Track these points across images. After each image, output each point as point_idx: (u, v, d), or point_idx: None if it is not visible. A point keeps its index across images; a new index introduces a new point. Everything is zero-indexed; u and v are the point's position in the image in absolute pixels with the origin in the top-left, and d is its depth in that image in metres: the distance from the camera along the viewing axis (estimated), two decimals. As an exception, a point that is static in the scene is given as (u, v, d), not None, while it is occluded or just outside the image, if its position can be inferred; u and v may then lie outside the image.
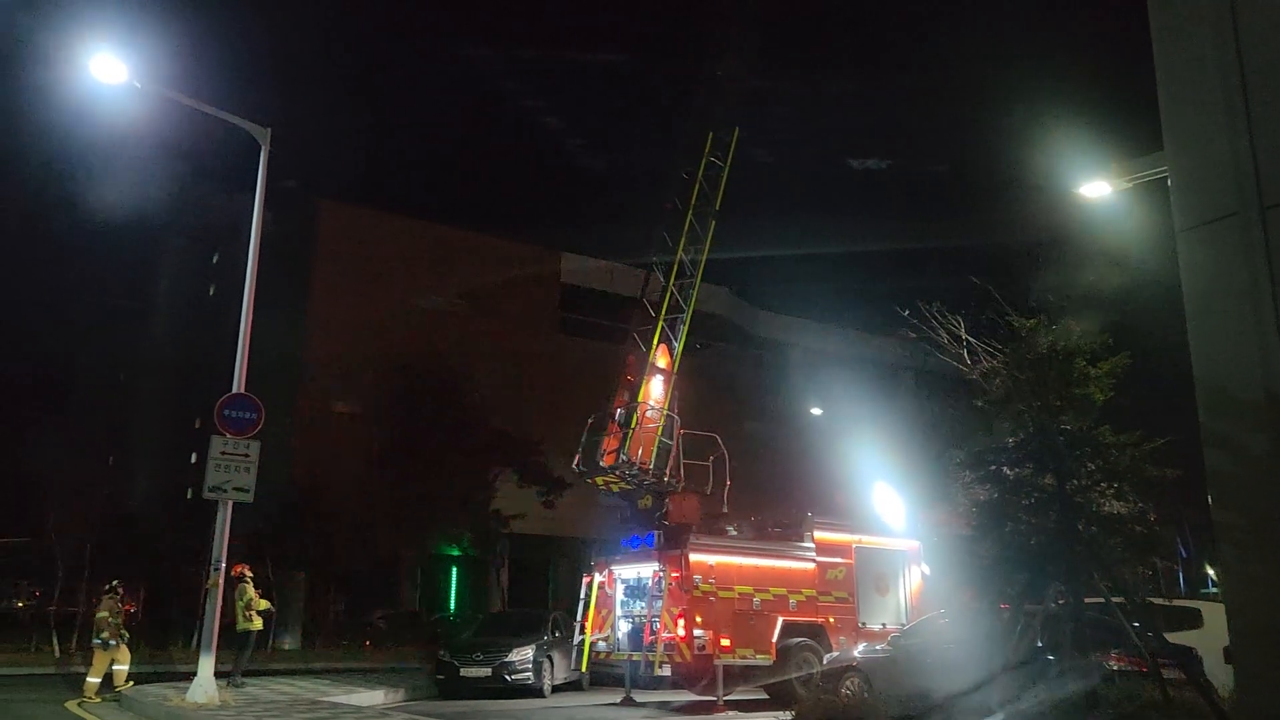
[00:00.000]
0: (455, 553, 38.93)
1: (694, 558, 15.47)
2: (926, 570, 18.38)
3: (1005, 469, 7.81)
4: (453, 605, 41.54)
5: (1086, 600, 7.70)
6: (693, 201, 18.37)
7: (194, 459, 45.12)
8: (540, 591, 41.46)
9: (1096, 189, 8.78)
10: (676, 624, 15.16)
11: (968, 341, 10.26)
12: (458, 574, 42.60)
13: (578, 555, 39.50)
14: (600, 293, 47.37)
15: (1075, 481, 7.36)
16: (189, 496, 42.21)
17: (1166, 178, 7.72)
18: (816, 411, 40.66)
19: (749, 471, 22.10)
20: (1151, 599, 11.71)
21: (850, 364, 50.93)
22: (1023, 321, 7.98)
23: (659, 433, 16.81)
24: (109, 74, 14.22)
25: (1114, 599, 7.26)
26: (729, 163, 18.77)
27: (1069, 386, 7.41)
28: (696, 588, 15.34)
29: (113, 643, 15.89)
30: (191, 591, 32.41)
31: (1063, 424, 7.45)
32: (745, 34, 19.38)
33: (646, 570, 16.08)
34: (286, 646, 31.26)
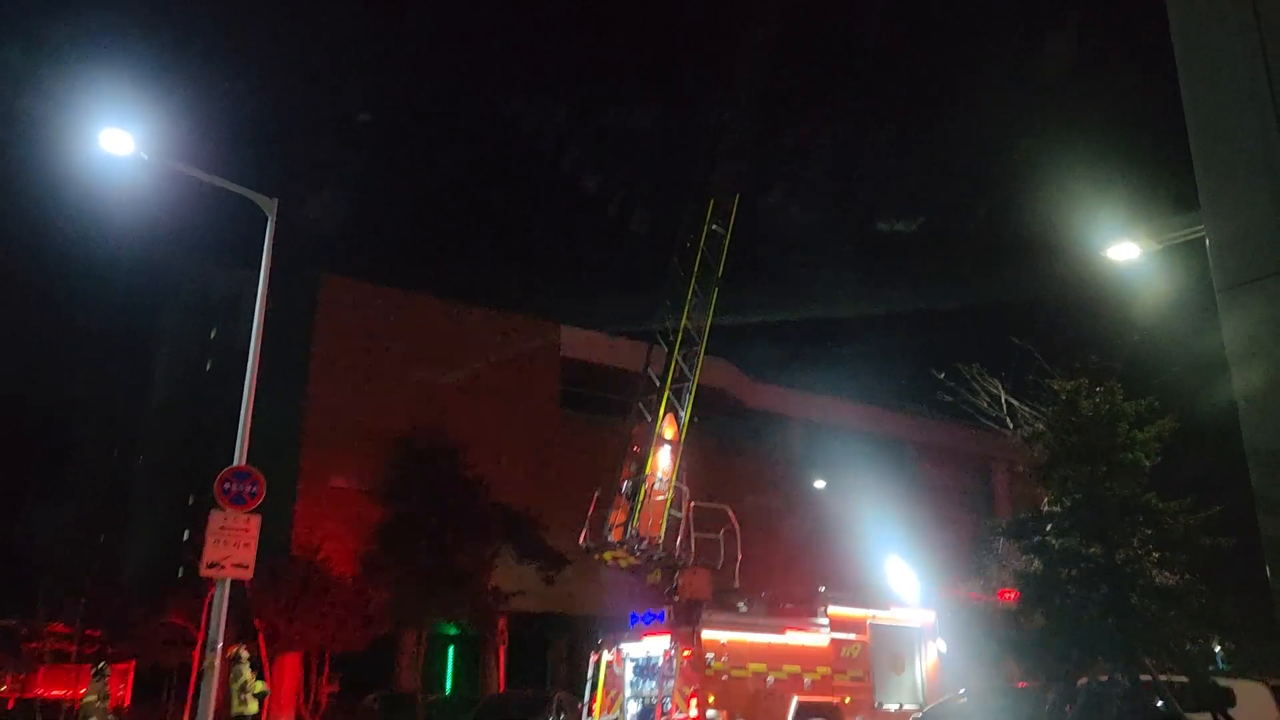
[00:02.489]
0: (453, 631, 38.03)
1: (706, 635, 14.99)
2: (943, 647, 17.84)
3: (1051, 538, 7.49)
4: (449, 685, 40.42)
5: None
6: (695, 270, 18.31)
7: (186, 536, 44.43)
8: (538, 671, 40.38)
9: (1125, 251, 8.65)
10: (689, 705, 14.61)
11: (1008, 403, 9.99)
12: (454, 653, 41.56)
13: (577, 633, 38.67)
14: (601, 366, 47.21)
15: (1125, 551, 7.05)
16: (180, 575, 41.35)
17: (1198, 238, 7.59)
18: (820, 484, 40.19)
19: (755, 545, 21.65)
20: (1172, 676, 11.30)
21: (852, 436, 50.62)
22: (1064, 384, 7.75)
23: (668, 505, 16.44)
24: (116, 146, 14.21)
25: (1175, 678, 6.90)
26: (730, 230, 18.77)
27: (1116, 451, 7.14)
28: (709, 666, 14.83)
29: (101, 727, 15.31)
30: (183, 674, 31.56)
31: (1110, 490, 7.17)
32: (750, 99, 19.54)
33: (657, 649, 15.56)
34: (279, 730, 30.32)
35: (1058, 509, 7.54)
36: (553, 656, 42.14)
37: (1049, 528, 7.55)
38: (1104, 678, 7.81)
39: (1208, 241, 6.80)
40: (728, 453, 46.33)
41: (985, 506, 57.95)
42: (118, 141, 14.23)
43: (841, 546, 23.56)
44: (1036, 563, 7.58)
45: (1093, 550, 7.09)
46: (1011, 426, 9.66)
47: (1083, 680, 7.75)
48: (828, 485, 42.90)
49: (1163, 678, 6.87)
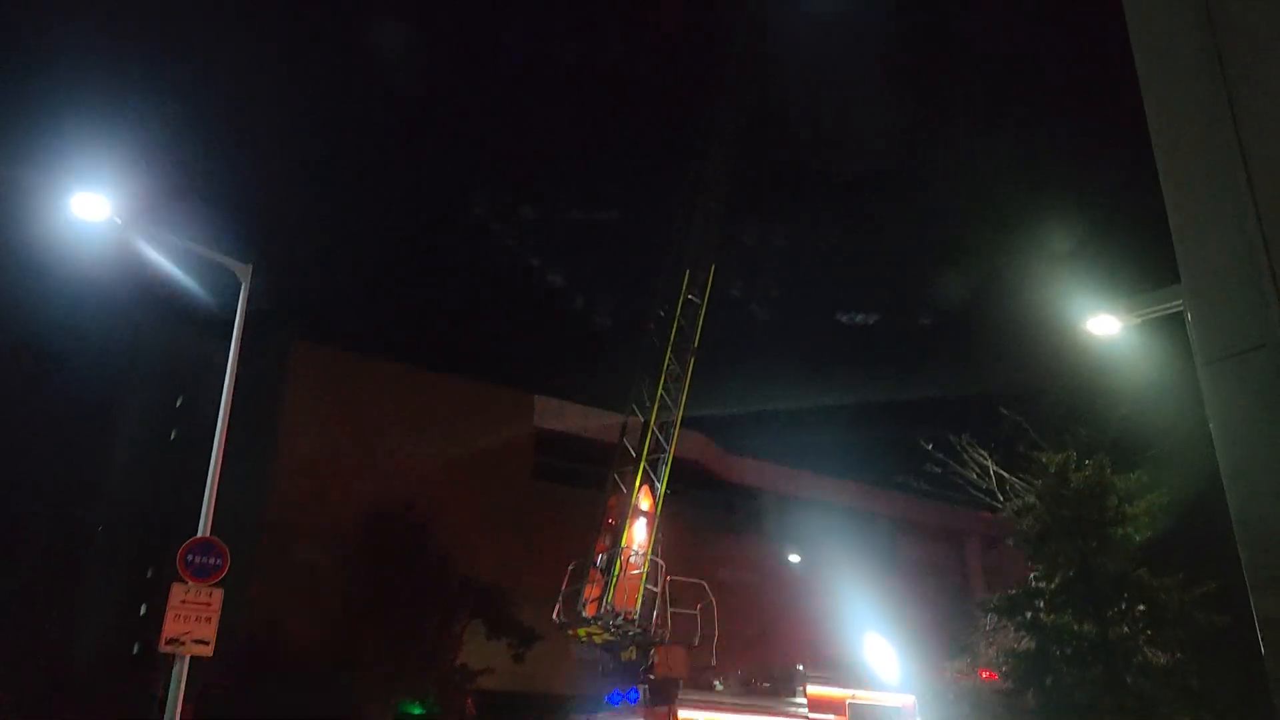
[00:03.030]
0: (418, 710, 36.88)
1: (683, 715, 14.58)
2: (924, 728, 17.46)
3: (1042, 615, 7.33)
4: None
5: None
6: (671, 339, 18.31)
7: (144, 611, 43.07)
8: (506, 752, 39.12)
9: (1105, 325, 8.69)
10: (664, 788, 14.14)
11: (998, 475, 9.87)
12: (418, 734, 40.25)
13: (546, 714, 37.58)
14: (575, 436, 46.89)
15: (1119, 629, 6.90)
16: (135, 651, 40.01)
17: (1179, 312, 7.63)
18: (795, 558, 39.82)
19: (730, 621, 21.27)
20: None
21: (826, 510, 50.38)
22: (1052, 457, 7.68)
23: (643, 579, 16.13)
24: (91, 211, 14.09)
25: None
26: (706, 300, 18.83)
27: (1106, 526, 7.04)
28: (685, 748, 14.40)
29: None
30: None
31: (1102, 566, 7.04)
32: (723, 170, 19.80)
33: (631, 730, 15.11)
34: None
35: (1049, 584, 7.41)
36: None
37: (1040, 604, 7.40)
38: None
39: (1188, 315, 6.84)
40: (701, 527, 45.88)
41: (960, 582, 57.65)
42: (92, 206, 14.12)
43: (818, 623, 23.19)
44: (1028, 640, 7.40)
45: (1085, 628, 6.93)
46: (1001, 499, 9.53)
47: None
48: (803, 560, 42.50)
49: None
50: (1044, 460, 7.90)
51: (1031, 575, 7.71)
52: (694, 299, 18.68)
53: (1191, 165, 7.04)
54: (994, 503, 9.34)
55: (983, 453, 10.10)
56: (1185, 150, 7.09)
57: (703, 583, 16.39)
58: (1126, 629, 6.87)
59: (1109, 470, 7.33)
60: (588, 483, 46.44)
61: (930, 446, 10.98)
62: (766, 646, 23.61)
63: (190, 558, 13.50)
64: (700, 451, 48.18)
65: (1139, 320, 7.84)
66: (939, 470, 11.03)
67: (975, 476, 10.22)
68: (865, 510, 51.55)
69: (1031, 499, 7.90)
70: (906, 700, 17.70)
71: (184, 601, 13.17)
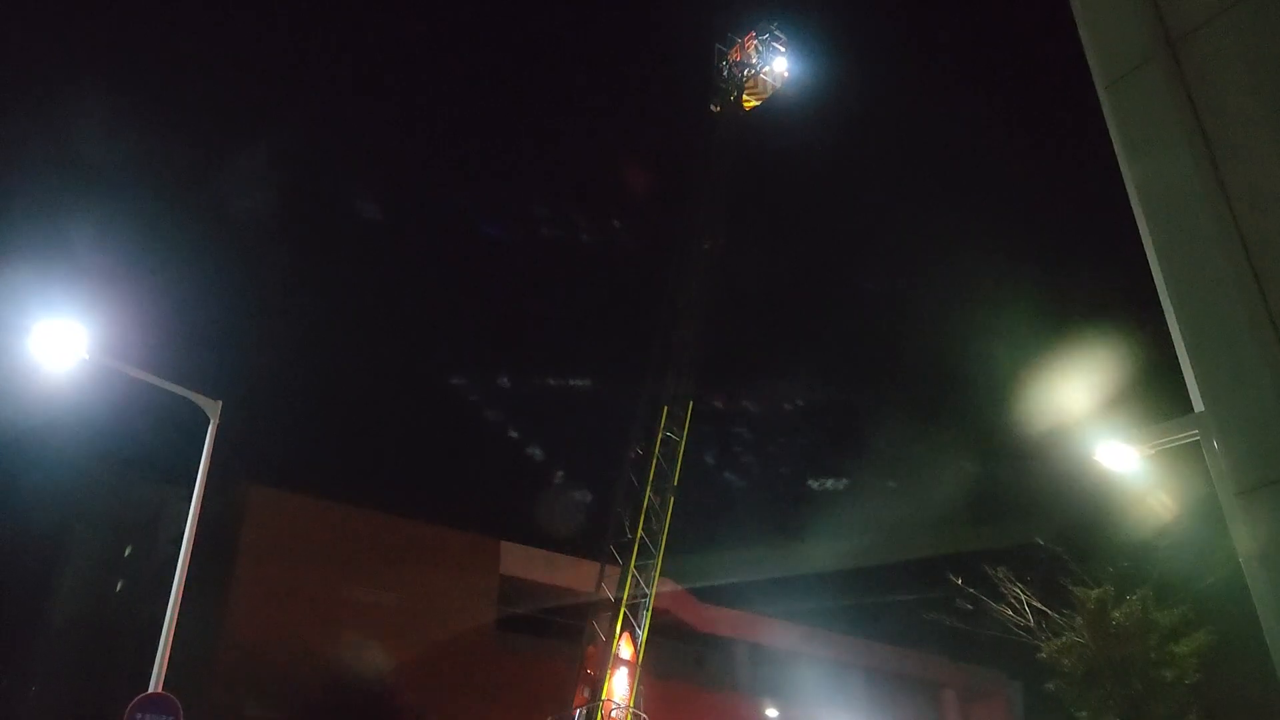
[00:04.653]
0: None
1: None
2: None
3: None
4: None
5: None
6: (650, 478, 17.90)
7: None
8: None
9: (1118, 454, 8.49)
10: None
11: (1036, 610, 9.35)
12: None
13: None
14: (542, 584, 45.49)
15: None
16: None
17: (1196, 442, 7.45)
18: (772, 713, 38.25)
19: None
20: None
21: (801, 661, 48.83)
22: (1087, 592, 7.29)
23: (625, 736, 15.18)
24: (61, 346, 13.68)
25: None
26: (684, 437, 18.55)
27: (1151, 667, 6.61)
28: None
29: None
30: None
31: (1152, 711, 6.56)
32: (699, 300, 19.93)
33: None
34: None
35: None
36: None
37: None
38: None
39: (1215, 445, 6.65)
40: (673, 679, 44.16)
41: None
42: (64, 341, 13.72)
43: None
44: None
45: None
46: (1038, 635, 8.99)
47: None
48: (781, 715, 40.82)
49: None
50: (1078, 596, 7.49)
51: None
52: (673, 436, 18.42)
53: (1202, 293, 7.03)
54: (1034, 640, 8.81)
55: (1020, 586, 9.64)
56: (1195, 277, 7.09)
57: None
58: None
59: (1151, 606, 6.94)
60: (555, 633, 44.94)
61: (959, 581, 10.50)
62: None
63: (139, 716, 12.50)
64: (673, 601, 46.84)
65: (1153, 451, 7.64)
66: (970, 608, 10.50)
67: (1010, 613, 9.71)
68: (843, 661, 50.03)
69: (1074, 637, 7.42)
70: None
71: (130, 765, 12.11)
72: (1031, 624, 9.44)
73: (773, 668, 48.80)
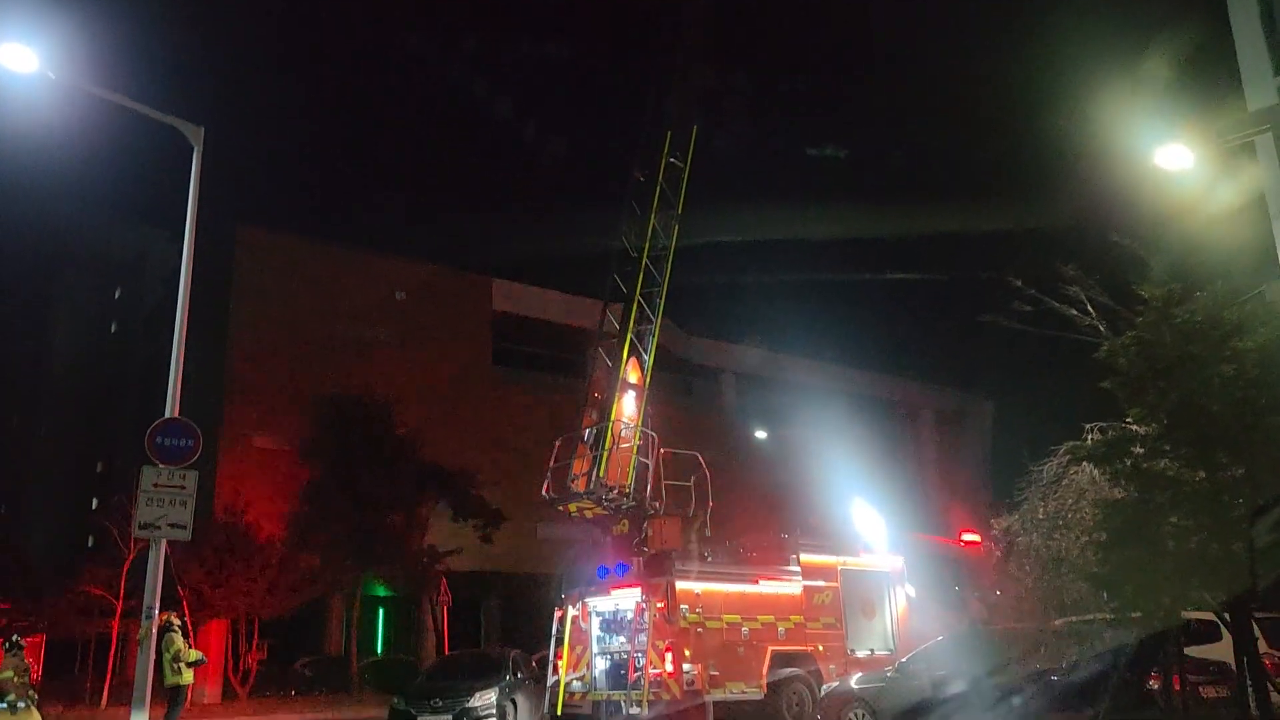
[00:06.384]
0: (382, 593, 36.86)
1: (680, 586, 14.35)
2: (912, 592, 17.59)
3: (1143, 462, 6.89)
4: (379, 648, 39.29)
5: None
6: (654, 205, 17.44)
7: (95, 505, 42.12)
8: (472, 631, 39.49)
9: (1175, 157, 8.01)
10: (664, 659, 13.98)
11: (1102, 305, 9.27)
12: (384, 615, 40.41)
13: (513, 592, 37.86)
14: (534, 320, 46.08)
15: (1234, 471, 6.48)
16: (91, 544, 39.19)
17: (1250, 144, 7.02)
18: (761, 434, 39.97)
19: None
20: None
21: (784, 389, 50.60)
22: (1154, 289, 7.14)
23: (634, 452, 15.66)
24: (18, 62, 12.57)
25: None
26: (689, 163, 17.91)
27: (1214, 364, 6.56)
28: (684, 618, 14.21)
29: (21, 705, 13.96)
30: (100, 645, 29.85)
31: (1209, 407, 6.59)
32: (703, 29, 18.69)
33: (626, 602, 14.86)
34: (206, 700, 28.95)
35: (1151, 429, 6.96)
36: (485, 615, 41.32)
37: (1140, 450, 6.98)
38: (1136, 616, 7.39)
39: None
40: (665, 407, 45.84)
41: (913, 453, 58.89)
42: (19, 57, 12.64)
43: (796, 496, 23.26)
44: (1127, 489, 6.99)
45: (1197, 477, 6.53)
46: (1105, 332, 9.00)
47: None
48: (768, 437, 42.75)
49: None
50: (1144, 293, 7.37)
51: (1129, 418, 7.31)
52: (676, 162, 17.77)
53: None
54: (1099, 339, 8.80)
55: (1090, 282, 9.51)
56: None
57: (696, 454, 15.97)
58: (1242, 471, 6.47)
59: (1221, 301, 6.84)
60: (547, 367, 45.95)
61: (1019, 283, 10.40)
62: (750, 522, 23.60)
63: (160, 440, 12.63)
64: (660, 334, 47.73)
65: (1225, 147, 7.16)
66: (1029, 309, 10.44)
67: (1074, 313, 9.68)
68: (823, 387, 51.82)
69: (1132, 336, 7.40)
70: (895, 564, 17.80)
71: (156, 485, 12.37)
72: (1096, 321, 9.43)
73: (759, 396, 50.64)
